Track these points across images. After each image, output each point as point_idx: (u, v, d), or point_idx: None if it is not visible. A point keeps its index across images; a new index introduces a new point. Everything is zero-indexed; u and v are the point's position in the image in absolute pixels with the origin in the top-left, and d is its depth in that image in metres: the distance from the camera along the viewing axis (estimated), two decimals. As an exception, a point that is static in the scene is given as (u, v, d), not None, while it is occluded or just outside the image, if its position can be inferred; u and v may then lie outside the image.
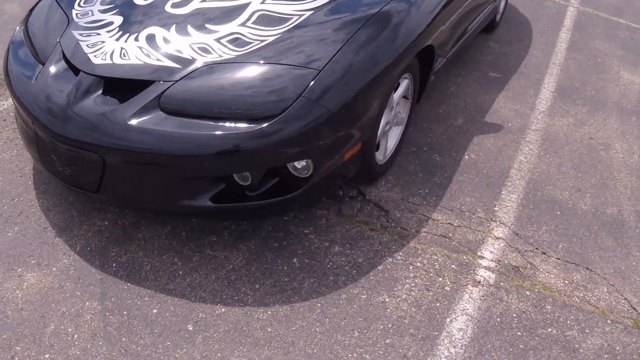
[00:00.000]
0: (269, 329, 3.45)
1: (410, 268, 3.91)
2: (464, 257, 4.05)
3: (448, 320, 3.61)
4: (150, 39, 3.75)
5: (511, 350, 3.48)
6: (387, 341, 3.44)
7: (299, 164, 3.67)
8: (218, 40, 3.73)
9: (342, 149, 3.75)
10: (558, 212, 4.55)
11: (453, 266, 3.96)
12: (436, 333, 3.53)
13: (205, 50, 3.66)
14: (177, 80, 3.50)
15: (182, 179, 3.51)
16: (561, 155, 5.26)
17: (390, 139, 4.65)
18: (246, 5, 3.95)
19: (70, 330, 3.35)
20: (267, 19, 3.87)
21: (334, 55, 3.65)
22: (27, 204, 4.11)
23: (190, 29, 3.81)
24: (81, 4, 4.18)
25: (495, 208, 4.51)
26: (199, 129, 3.35)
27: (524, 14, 8.34)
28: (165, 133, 3.33)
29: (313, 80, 3.53)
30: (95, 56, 3.67)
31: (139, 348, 3.29)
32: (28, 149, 3.99)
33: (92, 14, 4.06)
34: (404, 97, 4.67)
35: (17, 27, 4.32)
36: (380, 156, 4.47)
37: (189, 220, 4.09)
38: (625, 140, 5.65)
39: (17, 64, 3.94)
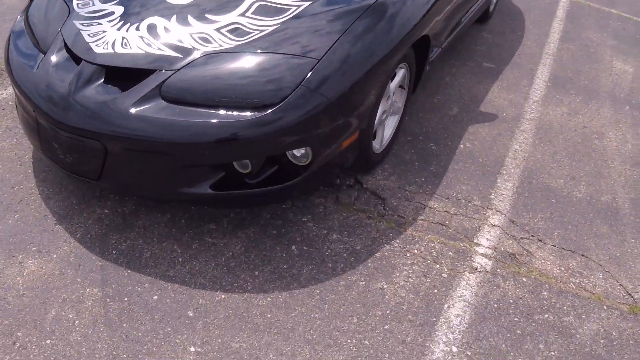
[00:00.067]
0: (269, 315, 3.48)
1: (408, 255, 3.94)
2: (461, 244, 4.08)
3: (446, 306, 3.64)
4: (151, 28, 3.77)
5: (508, 335, 3.51)
6: (386, 327, 3.48)
7: (298, 152, 3.70)
8: (218, 30, 3.75)
9: (341, 137, 3.78)
10: (553, 200, 4.59)
11: (450, 253, 4.00)
12: (434, 319, 3.56)
13: (205, 40, 3.68)
14: (178, 69, 3.53)
15: (182, 167, 3.53)
16: (555, 144, 5.30)
17: (387, 128, 4.68)
18: (245, -5, 3.98)
19: (71, 316, 3.38)
20: (266, 9, 3.90)
21: (332, 45, 3.68)
22: (27, 192, 4.13)
23: (190, 19, 3.83)
24: (82, -6, 4.20)
25: (491, 196, 4.54)
26: (199, 117, 3.37)
27: (517, 5, 8.38)
28: (166, 121, 3.36)
29: (312, 69, 3.56)
30: (96, 45, 3.69)
31: (140, 334, 3.32)
32: (29, 138, 4.01)
33: (93, 4, 4.08)
34: (400, 86, 4.70)
35: (18, 17, 4.33)
36: (377, 145, 4.50)
37: (188, 208, 4.12)
38: (619, 128, 5.69)
39: (18, 53, 3.96)
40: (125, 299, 3.50)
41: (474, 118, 5.52)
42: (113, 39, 3.72)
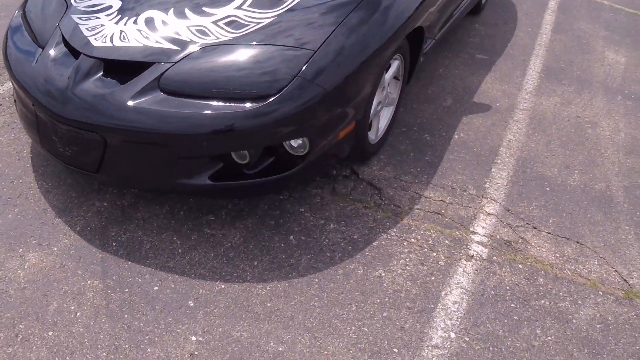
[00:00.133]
0: (269, 304, 3.51)
1: (405, 244, 3.97)
2: (457, 232, 4.12)
3: (443, 293, 3.68)
4: (149, 22, 3.80)
5: (505, 321, 3.55)
6: (385, 314, 3.51)
7: (296, 143, 3.73)
8: (215, 22, 3.78)
9: (337, 127, 3.81)
10: (547, 189, 4.62)
11: (446, 241, 4.03)
12: (432, 306, 3.59)
13: (203, 33, 3.71)
14: (176, 62, 3.56)
15: (181, 158, 3.56)
16: (549, 134, 5.33)
17: (382, 119, 4.72)
18: (241, -12, 4.01)
19: (72, 308, 3.41)
20: (262, 2, 3.93)
21: (327, 37, 3.72)
22: (26, 186, 4.16)
23: (187, 12, 3.86)
24: (79, -12, 4.22)
25: (486, 185, 4.57)
26: (198, 108, 3.40)
27: (509, -3, 8.41)
28: (165, 113, 3.39)
29: (308, 60, 3.60)
30: (95, 39, 3.72)
31: (142, 324, 3.35)
32: (28, 132, 4.04)
33: (90, -2, 4.11)
34: (395, 77, 4.73)
35: (16, 12, 4.36)
36: (373, 136, 4.53)
37: (186, 200, 4.15)
38: (612, 118, 5.73)
39: (16, 48, 3.98)
40: (126, 290, 3.53)
41: (468, 109, 5.55)
42: (111, 32, 3.75)
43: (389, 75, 4.41)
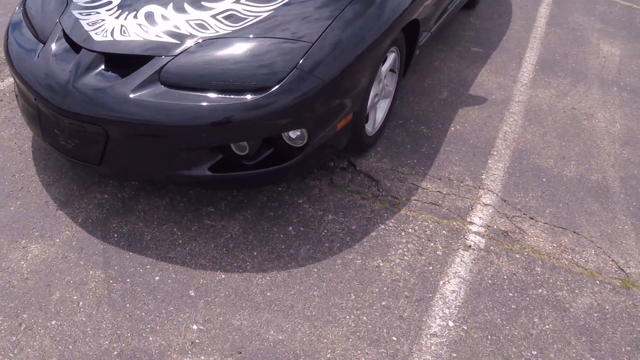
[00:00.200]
0: (268, 294, 3.55)
1: (403, 234, 4.01)
2: (454, 223, 4.15)
3: (441, 282, 3.71)
4: (149, 16, 3.84)
5: (503, 310, 3.58)
6: (383, 303, 3.55)
7: (294, 134, 3.77)
8: (214, 16, 3.82)
9: (335, 119, 3.85)
10: (544, 180, 4.66)
11: (444, 232, 4.07)
12: (430, 295, 3.63)
13: (202, 26, 3.75)
14: (176, 55, 3.59)
15: (182, 150, 3.60)
16: (545, 125, 5.37)
17: (379, 111, 4.75)
18: (239, -18, 4.04)
19: (75, 297, 3.44)
20: (259, -4, 3.97)
21: (324, 30, 3.76)
22: (27, 180, 4.19)
23: (187, 6, 3.89)
24: (79, -15, 4.25)
25: (483, 176, 4.61)
26: (198, 101, 3.44)
27: (504, -10, 8.44)
28: (166, 105, 3.43)
29: (306, 53, 3.63)
30: (96, 33, 3.76)
31: (143, 313, 3.38)
32: (30, 126, 4.07)
33: (91, -6, 4.14)
34: (391, 70, 4.77)
35: (16, 8, 4.38)
36: (370, 128, 4.57)
37: (186, 191, 4.18)
38: (607, 109, 5.76)
39: (17, 43, 4.01)
40: (128, 280, 3.56)
41: (464, 101, 5.59)
42: (112, 27, 3.79)
43: (385, 67, 4.44)
